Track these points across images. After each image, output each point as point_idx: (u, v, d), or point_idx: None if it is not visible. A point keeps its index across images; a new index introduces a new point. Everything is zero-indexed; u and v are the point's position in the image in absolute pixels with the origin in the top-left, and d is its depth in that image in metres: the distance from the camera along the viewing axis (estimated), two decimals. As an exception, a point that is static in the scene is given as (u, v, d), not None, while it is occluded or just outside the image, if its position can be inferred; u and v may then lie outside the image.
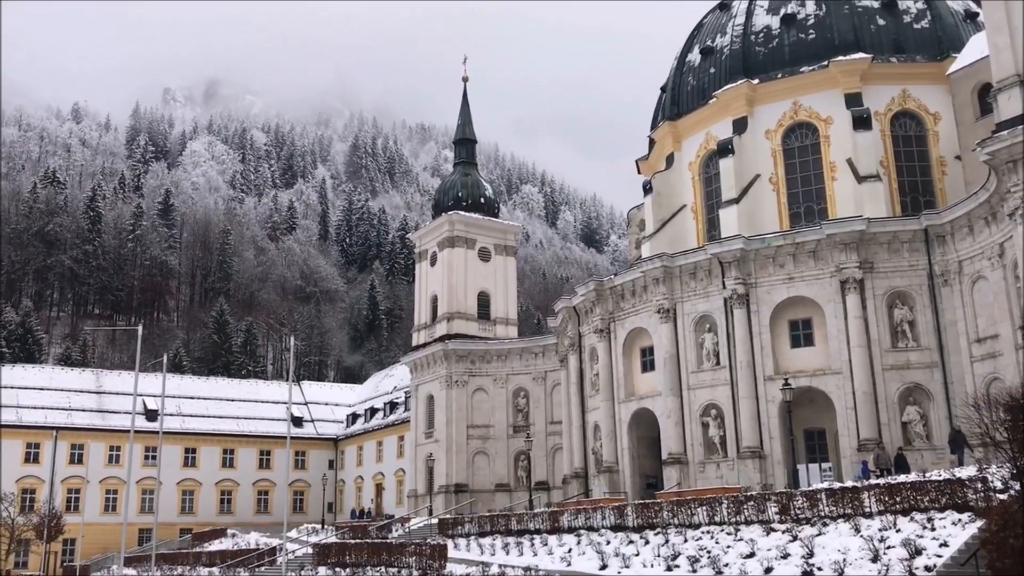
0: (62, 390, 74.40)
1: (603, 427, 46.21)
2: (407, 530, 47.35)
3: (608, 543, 29.17)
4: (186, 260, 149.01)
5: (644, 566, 25.65)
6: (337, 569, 36.66)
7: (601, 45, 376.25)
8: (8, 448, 68.12)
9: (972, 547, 19.58)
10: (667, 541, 27.21)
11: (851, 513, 24.46)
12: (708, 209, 49.58)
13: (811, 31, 47.13)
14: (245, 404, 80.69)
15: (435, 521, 45.47)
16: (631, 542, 28.52)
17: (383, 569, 33.65)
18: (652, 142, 55.77)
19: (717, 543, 25.65)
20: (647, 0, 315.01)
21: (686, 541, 26.79)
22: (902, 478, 27.41)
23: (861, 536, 22.21)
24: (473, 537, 37.24)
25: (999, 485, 21.37)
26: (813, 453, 40.01)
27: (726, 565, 23.25)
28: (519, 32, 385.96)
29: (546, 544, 31.71)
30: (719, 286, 41.78)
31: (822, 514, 25.16)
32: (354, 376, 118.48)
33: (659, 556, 25.83)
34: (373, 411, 78.42)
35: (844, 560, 20.90)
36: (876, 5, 46.96)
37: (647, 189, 52.99)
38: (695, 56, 52.25)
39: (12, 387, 72.10)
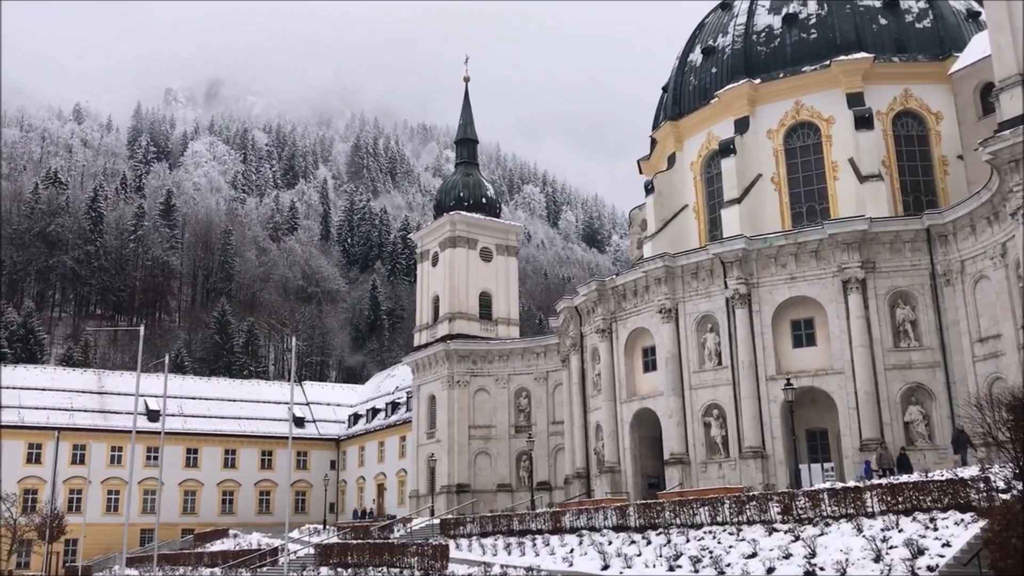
0: (64, 391, 74.46)
1: (605, 427, 46.19)
2: (409, 530, 47.34)
3: (610, 543, 29.16)
4: (188, 260, 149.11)
5: (646, 566, 25.63)
6: (339, 569, 36.67)
7: (603, 45, 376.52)
8: (10, 448, 68.18)
9: (975, 547, 19.56)
10: (669, 541, 27.19)
11: (853, 513, 24.44)
12: (710, 209, 49.55)
13: (813, 31, 47.10)
14: (247, 404, 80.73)
15: (437, 521, 45.48)
16: (633, 542, 28.51)
17: (385, 569, 33.64)
18: (654, 142, 55.75)
19: (719, 543, 25.64)
20: (648, 0, 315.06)
21: (688, 541, 26.78)
22: (904, 478, 27.37)
23: (863, 536, 22.18)
24: (475, 537, 37.25)
25: (1002, 485, 21.35)
26: (815, 453, 39.98)
27: (728, 565, 23.23)
28: (521, 32, 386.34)
29: (548, 544, 31.70)
30: (721, 286, 41.76)
31: (824, 514, 25.14)
32: (356, 376, 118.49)
33: (661, 556, 25.81)
34: (375, 411, 78.44)
35: (846, 560, 20.87)
36: (878, 4, 46.92)
37: (649, 189, 52.97)
38: (697, 56, 52.23)
39: (14, 387, 72.17)
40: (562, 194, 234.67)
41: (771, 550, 23.31)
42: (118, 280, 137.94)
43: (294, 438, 60.62)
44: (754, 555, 23.44)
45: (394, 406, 75.24)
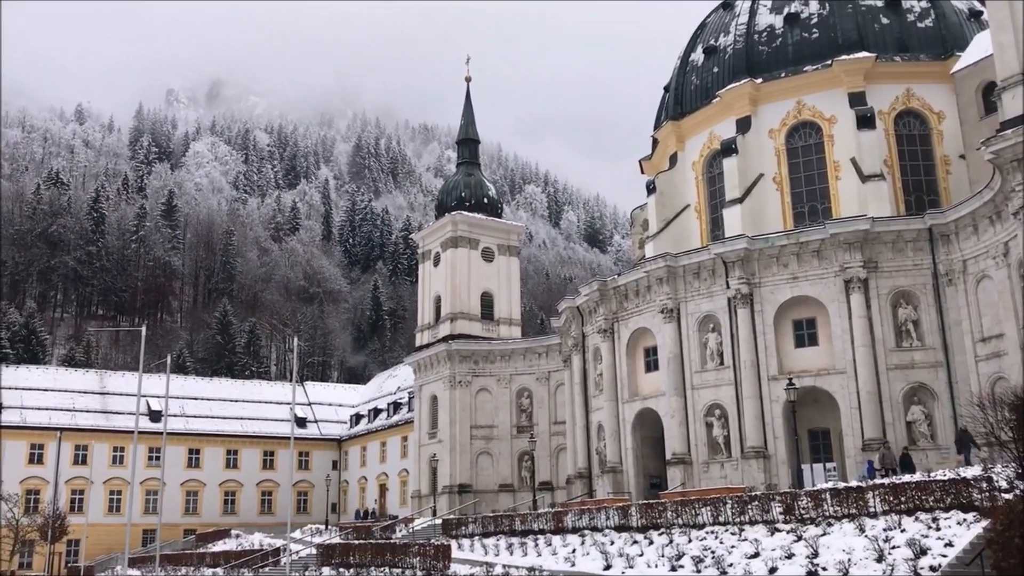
0: (66, 391, 74.53)
1: (607, 427, 46.18)
2: (411, 530, 47.36)
3: (612, 543, 29.16)
4: (189, 261, 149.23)
5: (648, 566, 25.63)
6: (341, 570, 36.66)
7: (604, 44, 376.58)
8: (12, 449, 68.26)
9: (977, 547, 19.54)
10: (671, 541, 27.20)
11: (856, 513, 24.41)
12: (712, 209, 49.52)
13: (814, 30, 47.07)
14: (249, 405, 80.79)
15: (439, 521, 45.52)
16: (635, 542, 28.51)
17: (387, 570, 33.63)
18: (655, 142, 55.72)
19: (721, 543, 25.63)
20: (650, 0, 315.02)
21: (690, 541, 26.78)
22: (907, 478, 27.35)
23: (866, 536, 22.16)
24: (477, 537, 37.27)
25: (1004, 485, 21.33)
26: (817, 453, 39.92)
27: (730, 565, 23.22)
28: (522, 32, 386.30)
29: (550, 544, 31.71)
30: (723, 286, 41.74)
31: (827, 514, 25.13)
32: (357, 377, 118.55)
33: (663, 556, 25.80)
34: (377, 412, 78.46)
35: (849, 560, 20.84)
36: (880, 4, 46.86)
37: (650, 189, 52.95)
38: (698, 55, 52.21)
39: (16, 388, 72.27)
40: (564, 194, 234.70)
41: (773, 550, 23.30)
42: (120, 280, 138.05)
43: (296, 438, 60.69)
44: (756, 555, 23.43)
45: (396, 406, 75.25)
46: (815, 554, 21.98)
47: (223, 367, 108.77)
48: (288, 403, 72.42)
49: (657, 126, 55.39)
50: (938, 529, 21.53)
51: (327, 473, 74.29)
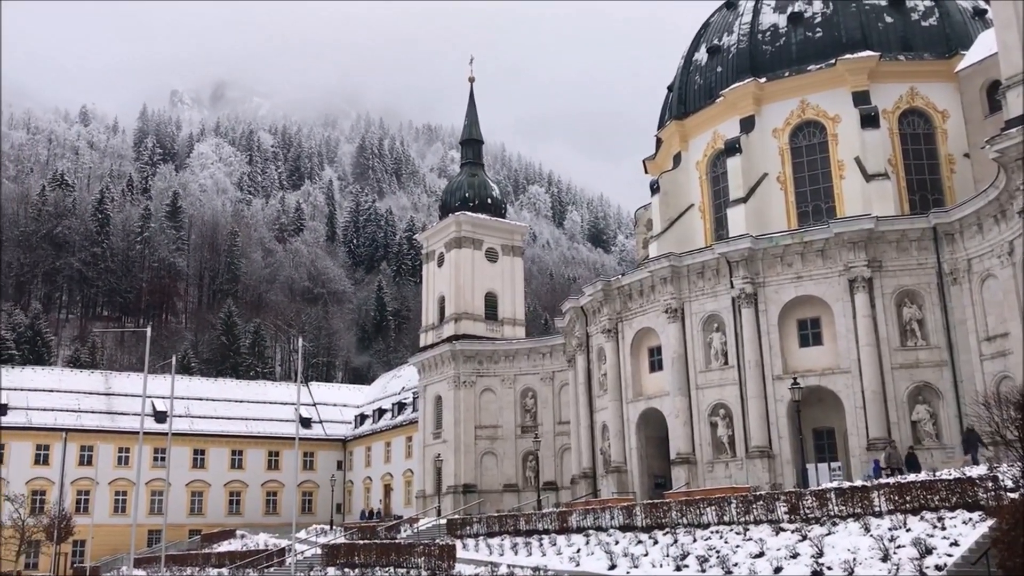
0: (71, 392, 74.68)
1: (611, 427, 46.16)
2: (416, 530, 47.43)
3: (617, 543, 29.15)
4: (194, 262, 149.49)
5: (653, 566, 25.61)
6: (346, 570, 36.72)
7: (607, 44, 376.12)
8: (18, 450, 68.48)
9: (983, 546, 19.50)
10: (676, 541, 27.19)
11: (861, 512, 24.38)
12: (716, 208, 49.49)
13: (818, 29, 47.02)
14: (254, 405, 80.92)
15: (444, 521, 45.55)
16: (640, 542, 28.51)
17: (392, 570, 33.69)
18: (659, 141, 55.71)
19: (726, 543, 25.60)
20: (654, 0, 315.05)
21: (695, 541, 26.76)
22: (912, 477, 27.31)
23: (871, 535, 22.12)
24: (482, 537, 37.28)
25: (1010, 484, 21.29)
26: (822, 452, 39.86)
27: (735, 565, 23.19)
28: (525, 32, 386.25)
29: (555, 544, 31.71)
30: (727, 285, 41.70)
31: (832, 513, 25.09)
32: (362, 377, 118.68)
33: (668, 556, 25.79)
34: (381, 412, 78.52)
35: (854, 560, 20.82)
36: (883, 3, 46.78)
37: (654, 189, 52.94)
38: (702, 55, 52.19)
39: (22, 389, 72.44)
40: (567, 194, 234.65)
41: (778, 550, 23.26)
42: (125, 282, 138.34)
43: (301, 439, 60.75)
44: (761, 555, 23.41)
45: (400, 406, 75.30)
46: (820, 553, 21.95)
47: (228, 368, 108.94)
48: (293, 403, 72.50)
49: (661, 126, 55.37)
50: (943, 528, 21.48)
51: (332, 473, 74.35)
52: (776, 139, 46.94)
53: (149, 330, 47.65)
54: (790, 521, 25.91)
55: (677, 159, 52.67)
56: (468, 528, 39.65)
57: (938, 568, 19.37)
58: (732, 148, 47.13)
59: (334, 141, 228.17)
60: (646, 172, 58.34)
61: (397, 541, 40.12)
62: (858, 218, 39.54)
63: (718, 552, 24.55)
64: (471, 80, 67.57)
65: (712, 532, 27.24)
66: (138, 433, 43.42)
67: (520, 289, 65.48)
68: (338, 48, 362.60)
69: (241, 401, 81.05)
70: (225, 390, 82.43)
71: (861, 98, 44.83)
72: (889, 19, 46.42)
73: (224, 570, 46.30)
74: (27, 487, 67.56)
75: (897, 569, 19.77)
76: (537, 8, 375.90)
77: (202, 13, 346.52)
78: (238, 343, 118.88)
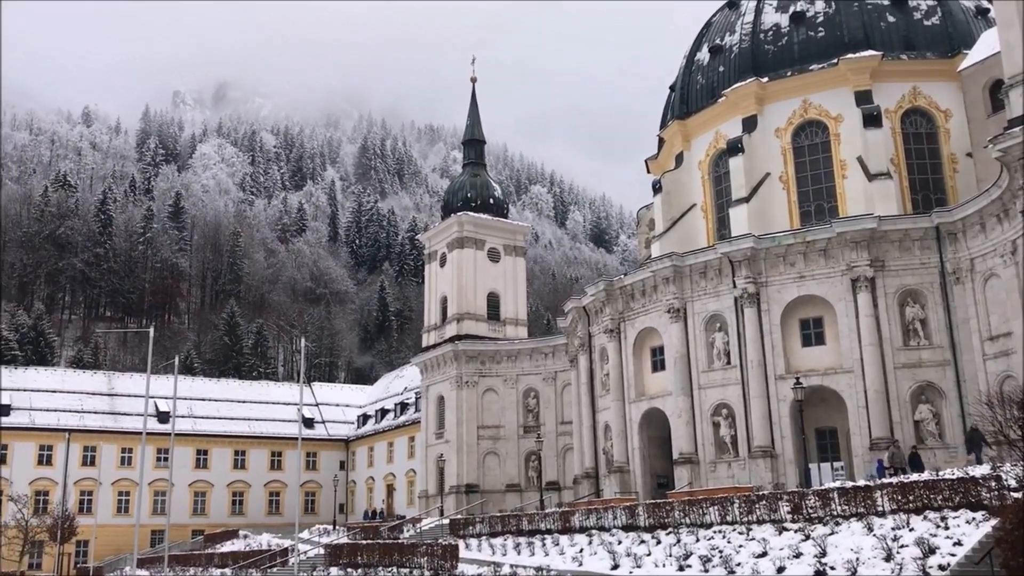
0: (74, 392, 74.80)
1: (614, 427, 46.17)
2: (418, 530, 47.44)
3: (620, 543, 29.14)
4: (197, 262, 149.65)
5: (656, 566, 25.62)
6: (349, 570, 36.73)
7: (610, 44, 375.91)
8: (21, 450, 68.62)
9: (986, 546, 19.48)
10: (679, 541, 27.18)
11: (864, 512, 24.34)
12: (718, 208, 49.49)
13: (820, 29, 47.00)
14: (256, 406, 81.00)
15: (446, 521, 45.54)
16: (643, 542, 28.50)
17: (395, 570, 33.71)
18: (661, 141, 55.71)
19: (729, 543, 25.59)
20: (656, 0, 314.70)
21: (698, 541, 26.75)
22: (915, 477, 27.29)
23: (874, 535, 22.11)
24: (484, 537, 37.27)
25: (1013, 483, 21.25)
26: (825, 452, 39.87)
27: (738, 565, 23.19)
28: (527, 32, 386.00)
29: (557, 544, 31.71)
30: (729, 285, 41.69)
31: (835, 513, 25.05)
32: (364, 377, 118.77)
33: (671, 556, 25.80)
34: (384, 412, 78.56)
35: (857, 559, 20.81)
36: (886, 2, 46.76)
37: (656, 188, 52.94)
38: (704, 55, 52.18)
39: (25, 390, 72.57)
40: (569, 194, 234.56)
41: (781, 549, 23.25)
42: (127, 282, 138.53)
43: (303, 439, 60.81)
44: (764, 554, 23.40)
45: (403, 407, 75.34)
46: (823, 553, 21.94)
47: (230, 368, 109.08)
48: (295, 404, 72.60)
49: (663, 126, 55.37)
50: (947, 528, 21.45)
51: (335, 473, 74.42)
52: (778, 139, 46.93)
53: (152, 331, 47.70)
54: (793, 521, 25.88)
55: (679, 159, 52.66)
56: (471, 528, 39.65)
57: (941, 568, 19.36)
58: (734, 148, 47.12)
59: (336, 141, 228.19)
60: (648, 172, 58.35)
61: (400, 541, 40.15)
62: (860, 218, 39.52)
63: (721, 552, 24.55)
64: (473, 80, 67.62)
65: (715, 532, 27.22)
66: (141, 433, 43.44)
67: (522, 289, 65.49)
68: (340, 48, 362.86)
69: (244, 401, 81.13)
70: (228, 390, 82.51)
71: (863, 97, 44.82)
72: (891, 18, 46.39)
73: (227, 570, 46.33)
74: (30, 487, 67.69)
75: (900, 569, 19.76)
76: (539, 8, 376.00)
77: (203, 13, 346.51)
78: (241, 343, 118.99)
